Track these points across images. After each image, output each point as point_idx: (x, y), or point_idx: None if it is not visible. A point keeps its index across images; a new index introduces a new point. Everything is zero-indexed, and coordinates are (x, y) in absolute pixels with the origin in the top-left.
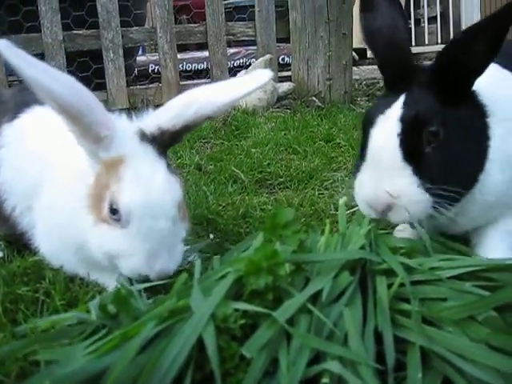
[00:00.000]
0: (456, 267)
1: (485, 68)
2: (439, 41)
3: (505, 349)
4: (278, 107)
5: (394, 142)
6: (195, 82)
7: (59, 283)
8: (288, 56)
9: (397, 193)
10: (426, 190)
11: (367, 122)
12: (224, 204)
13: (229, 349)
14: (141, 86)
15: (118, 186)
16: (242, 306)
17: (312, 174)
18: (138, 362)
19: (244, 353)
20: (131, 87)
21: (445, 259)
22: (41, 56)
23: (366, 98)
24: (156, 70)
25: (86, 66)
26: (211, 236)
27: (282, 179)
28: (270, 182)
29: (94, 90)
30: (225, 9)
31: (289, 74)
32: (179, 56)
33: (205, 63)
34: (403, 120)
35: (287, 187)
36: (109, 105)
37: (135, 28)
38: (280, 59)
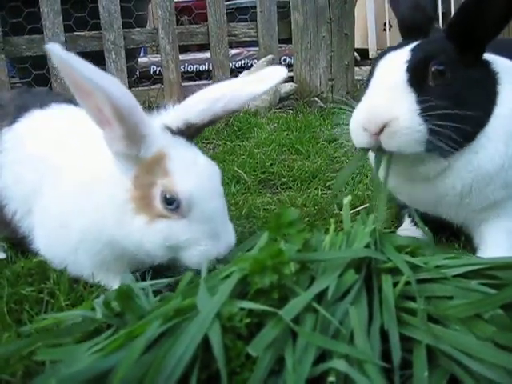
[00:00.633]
0: (461, 265)
1: (501, 27)
2: None
3: (511, 347)
4: (280, 108)
5: (402, 66)
6: (197, 83)
7: (63, 283)
8: (290, 57)
9: (396, 112)
10: (425, 121)
11: (378, 57)
12: (227, 204)
13: (234, 348)
14: (143, 88)
15: (170, 178)
16: (248, 304)
17: (315, 174)
18: (143, 362)
19: (250, 352)
20: (133, 88)
21: (450, 257)
22: (43, 58)
23: None
24: (158, 72)
25: None
26: None
27: (284, 179)
28: (272, 182)
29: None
30: (226, 10)
31: (291, 74)
32: (181, 57)
33: (206, 64)
34: (414, 50)
35: (290, 187)
36: None
37: (137, 29)
38: (282, 60)
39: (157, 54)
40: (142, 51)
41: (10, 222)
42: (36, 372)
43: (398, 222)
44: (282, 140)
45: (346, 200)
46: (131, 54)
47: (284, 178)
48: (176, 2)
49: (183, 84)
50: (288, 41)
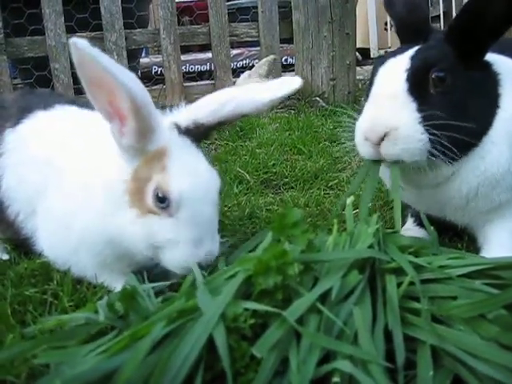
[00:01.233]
0: (465, 265)
1: (502, 30)
2: None
3: None
4: (281, 108)
5: (401, 75)
6: (199, 83)
7: (67, 284)
8: (291, 57)
9: (395, 122)
10: (426, 130)
11: (377, 63)
12: (230, 205)
13: (239, 348)
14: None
15: (165, 176)
16: (252, 305)
17: (317, 174)
18: (148, 362)
19: (254, 352)
20: None
21: (454, 257)
22: (45, 59)
23: None
24: (159, 72)
25: None
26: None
27: (287, 179)
28: (275, 182)
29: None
30: (228, 10)
31: (292, 74)
32: (182, 57)
33: (208, 64)
34: (413, 58)
35: (292, 187)
36: None
37: (138, 30)
38: (283, 60)
39: (158, 54)
40: (144, 52)
41: (13, 222)
42: (40, 373)
43: (401, 221)
44: (284, 140)
45: (349, 200)
46: (133, 55)
47: (286, 178)
48: (177, 3)
49: (185, 84)
50: (289, 41)
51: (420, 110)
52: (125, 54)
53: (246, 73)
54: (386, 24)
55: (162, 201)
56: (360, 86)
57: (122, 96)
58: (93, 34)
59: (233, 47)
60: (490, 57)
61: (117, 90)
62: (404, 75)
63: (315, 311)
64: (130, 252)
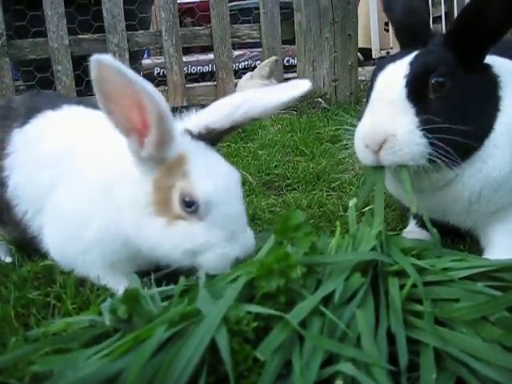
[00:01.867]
0: (468, 267)
1: (501, 33)
2: None
3: None
4: (283, 109)
5: (401, 81)
6: (201, 84)
7: (70, 287)
8: (293, 58)
9: (394, 129)
10: (425, 135)
11: (377, 68)
12: None
13: (242, 351)
14: None
15: (189, 181)
16: (255, 308)
17: (319, 175)
18: (151, 366)
19: (258, 355)
20: None
21: (456, 260)
22: (47, 61)
23: None
24: (161, 73)
25: None
26: None
27: (289, 181)
28: (277, 183)
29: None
30: (230, 11)
31: (294, 75)
32: (184, 59)
33: (210, 66)
34: (412, 64)
35: (295, 189)
36: None
37: (140, 32)
38: (285, 61)
39: (160, 55)
40: (146, 53)
41: (20, 222)
42: (44, 377)
43: (403, 223)
44: (286, 141)
45: (352, 202)
46: (135, 57)
47: (289, 179)
48: (179, 4)
49: (187, 85)
50: (291, 42)
51: (419, 115)
52: (127, 55)
53: (248, 74)
54: (386, 24)
55: (190, 205)
56: (362, 86)
57: (148, 107)
58: (95, 36)
59: (235, 48)
60: (490, 59)
61: (143, 101)
62: (403, 81)
63: (318, 314)
64: (147, 255)
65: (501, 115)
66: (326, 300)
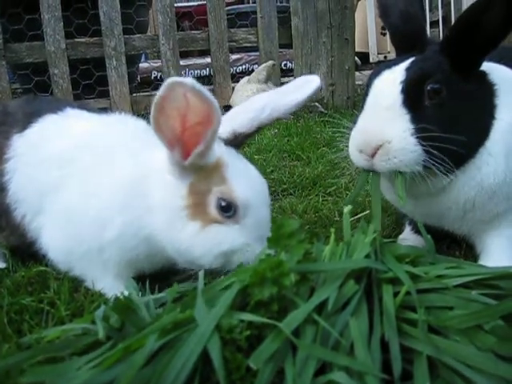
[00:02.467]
0: (462, 275)
1: (497, 41)
2: None
3: None
4: None
5: (396, 87)
6: None
7: (64, 293)
8: (290, 61)
9: (388, 135)
10: (419, 142)
11: (372, 74)
12: None
13: (234, 360)
14: (144, 93)
15: (228, 186)
16: (248, 316)
17: (316, 180)
18: (143, 375)
19: (250, 364)
20: (134, 94)
21: (451, 267)
22: (44, 64)
23: None
24: (159, 77)
25: (88, 74)
26: None
27: (285, 186)
28: (273, 188)
29: (96, 97)
30: (227, 15)
31: (291, 79)
32: (182, 62)
33: (207, 69)
34: (408, 70)
35: (291, 194)
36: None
37: (138, 35)
38: (282, 65)
39: (158, 59)
40: (143, 56)
41: (19, 226)
42: None
43: (399, 229)
44: (283, 146)
45: (346, 209)
46: (132, 60)
47: (285, 184)
48: (176, 8)
49: None
50: (288, 46)
51: (414, 122)
52: (124, 59)
53: (246, 78)
54: (383, 29)
55: (227, 210)
56: (359, 91)
57: (213, 124)
58: (92, 39)
59: (232, 52)
60: (486, 66)
61: (211, 118)
62: (399, 87)
63: (311, 322)
64: (170, 255)
65: (496, 123)
66: (320, 308)
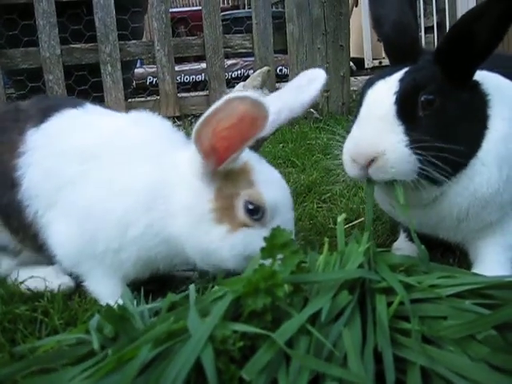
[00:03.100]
0: (455, 285)
1: (489, 51)
2: None
3: (505, 368)
4: None
5: (390, 98)
6: (192, 94)
7: (57, 302)
8: (285, 67)
9: (383, 147)
10: (414, 153)
11: (366, 85)
12: None
13: (227, 371)
14: (139, 99)
15: (256, 189)
16: (241, 327)
17: (310, 187)
18: None
19: (243, 375)
20: (129, 100)
21: (444, 277)
22: (38, 70)
23: None
24: (154, 83)
25: (83, 80)
26: None
27: None
28: None
29: (91, 103)
30: (222, 21)
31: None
32: (177, 68)
33: (203, 75)
34: (402, 81)
35: None
36: None
37: (133, 41)
38: (278, 70)
39: (153, 64)
40: (139, 62)
41: (31, 225)
42: None
43: (393, 236)
44: (278, 152)
45: (340, 218)
46: (127, 66)
47: None
48: (172, 14)
49: (179, 95)
50: (284, 51)
51: (408, 133)
52: (119, 65)
53: (241, 84)
54: None
55: (255, 213)
56: (354, 96)
57: (260, 128)
58: (87, 45)
59: (227, 58)
60: (480, 75)
61: (259, 123)
62: (393, 98)
63: (305, 333)
64: (190, 257)
65: (488, 133)
66: (313, 318)
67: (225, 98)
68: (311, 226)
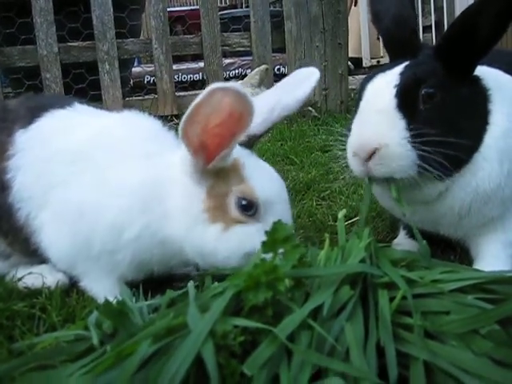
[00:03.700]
0: (458, 280)
1: (490, 46)
2: None
3: (508, 362)
4: None
5: (391, 91)
6: (190, 93)
7: (55, 298)
8: (283, 66)
9: (384, 141)
10: (415, 147)
11: (365, 79)
12: None
13: (229, 366)
14: (136, 98)
15: (247, 185)
16: (242, 322)
17: (309, 184)
18: (135, 382)
19: (245, 371)
20: (127, 99)
21: (446, 271)
22: (36, 68)
23: None
24: (151, 81)
25: (81, 78)
26: None
27: None
28: None
29: (89, 101)
30: (220, 19)
31: None
32: (175, 67)
33: (200, 74)
34: (403, 74)
35: None
36: None
37: (130, 39)
38: (276, 69)
39: (151, 63)
40: (136, 61)
41: (22, 228)
42: None
43: (393, 233)
44: (276, 150)
45: (341, 214)
46: (125, 65)
47: None
48: (170, 12)
49: (177, 94)
50: (282, 50)
51: (409, 126)
52: (117, 63)
53: (239, 83)
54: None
55: (248, 209)
56: (352, 95)
57: (245, 124)
58: (84, 43)
59: (225, 56)
60: (480, 70)
61: (245, 119)
62: (393, 91)
63: (306, 327)
64: (189, 257)
65: (490, 128)
66: (315, 313)
67: (207, 89)
68: (310, 223)
